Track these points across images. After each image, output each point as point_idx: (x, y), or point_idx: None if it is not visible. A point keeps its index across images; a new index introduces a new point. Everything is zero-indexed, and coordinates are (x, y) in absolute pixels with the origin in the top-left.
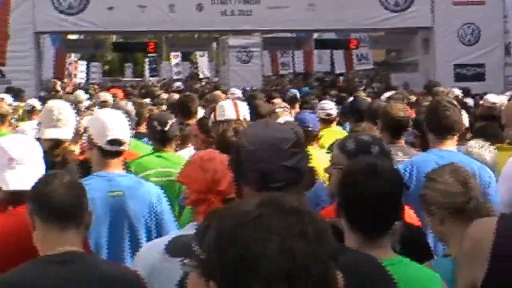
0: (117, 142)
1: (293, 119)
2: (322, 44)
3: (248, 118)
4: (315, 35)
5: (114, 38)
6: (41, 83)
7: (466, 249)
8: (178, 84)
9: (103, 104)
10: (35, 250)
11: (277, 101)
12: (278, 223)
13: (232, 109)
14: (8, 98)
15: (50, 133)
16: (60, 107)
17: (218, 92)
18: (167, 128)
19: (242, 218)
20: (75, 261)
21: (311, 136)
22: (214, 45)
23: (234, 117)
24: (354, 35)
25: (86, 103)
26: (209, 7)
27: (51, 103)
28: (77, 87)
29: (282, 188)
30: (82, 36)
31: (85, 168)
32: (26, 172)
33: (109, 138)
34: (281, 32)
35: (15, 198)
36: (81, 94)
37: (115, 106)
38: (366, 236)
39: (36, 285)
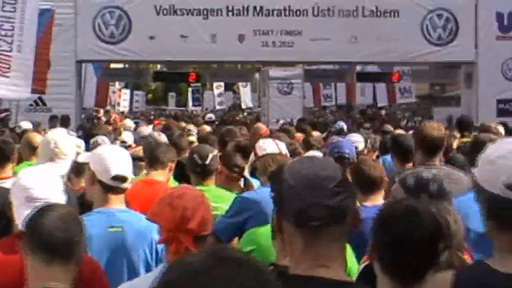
0: (121, 179)
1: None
2: (364, 76)
3: (287, 153)
4: (358, 68)
5: (158, 67)
6: (83, 111)
7: None
8: (210, 115)
9: (143, 139)
10: None
11: (315, 133)
12: (221, 276)
13: (273, 144)
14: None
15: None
16: (56, 139)
17: (259, 124)
18: (207, 161)
19: (185, 270)
20: None
21: (347, 163)
22: (257, 75)
23: (276, 151)
24: (396, 68)
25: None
26: (251, 38)
27: (49, 135)
28: (120, 115)
29: (321, 227)
30: (125, 65)
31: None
32: None
33: (113, 174)
34: (323, 64)
35: None
36: (129, 122)
37: (151, 136)
38: (398, 282)
39: None
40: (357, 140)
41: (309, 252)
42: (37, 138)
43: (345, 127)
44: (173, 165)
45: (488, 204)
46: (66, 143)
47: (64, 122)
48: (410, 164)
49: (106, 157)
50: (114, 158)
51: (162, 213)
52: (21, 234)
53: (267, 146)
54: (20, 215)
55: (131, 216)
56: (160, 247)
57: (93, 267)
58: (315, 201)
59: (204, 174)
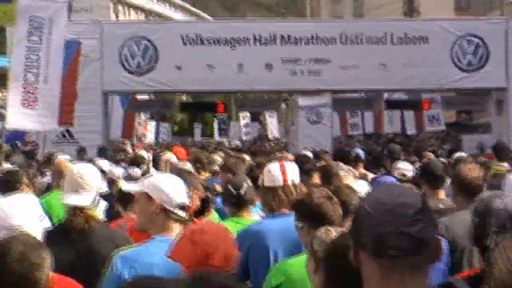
0: (184, 208)
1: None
2: (393, 104)
3: (297, 180)
4: (385, 95)
5: (184, 98)
6: (110, 143)
7: None
8: (236, 142)
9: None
10: None
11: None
12: None
13: (279, 173)
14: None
15: (69, 199)
16: (82, 171)
17: (286, 154)
18: (242, 191)
19: None
20: None
21: None
22: (283, 105)
23: (280, 182)
24: (424, 95)
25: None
26: (278, 66)
27: (75, 166)
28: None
29: (399, 257)
30: (151, 96)
31: None
32: None
33: (179, 202)
34: (351, 92)
35: None
36: (144, 154)
37: (174, 166)
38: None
39: None
40: (405, 168)
41: (387, 285)
42: (68, 168)
43: (362, 154)
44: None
45: None
46: (92, 175)
47: (81, 153)
48: (442, 192)
49: (168, 186)
50: (176, 187)
51: (183, 250)
52: None
53: (274, 173)
54: None
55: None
56: None
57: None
58: (394, 229)
59: (239, 205)
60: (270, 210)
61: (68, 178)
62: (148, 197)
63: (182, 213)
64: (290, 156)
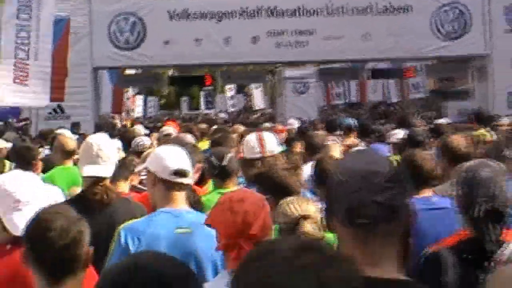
0: (182, 173)
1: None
2: (378, 73)
3: (276, 151)
4: (369, 65)
5: (171, 72)
6: (100, 118)
7: None
8: (222, 115)
9: (166, 137)
10: None
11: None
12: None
13: (257, 144)
14: (67, 132)
15: (89, 171)
16: (99, 143)
17: (277, 125)
18: (225, 162)
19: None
20: None
21: None
22: (268, 77)
23: (259, 154)
24: (407, 64)
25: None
26: (264, 39)
27: (90, 138)
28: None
29: (370, 225)
30: (139, 71)
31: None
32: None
33: (174, 169)
34: (336, 63)
35: (17, 238)
36: (140, 129)
37: (176, 139)
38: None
39: None
40: (399, 135)
41: (360, 252)
42: (71, 142)
43: (352, 124)
44: (200, 165)
45: None
46: (109, 146)
47: (75, 128)
48: None
49: (163, 156)
50: (171, 155)
51: (221, 218)
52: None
53: (252, 145)
54: (9, 220)
55: (198, 217)
56: None
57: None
58: (365, 197)
59: (223, 176)
60: (250, 181)
61: (85, 149)
62: (149, 171)
63: (180, 179)
64: (280, 127)
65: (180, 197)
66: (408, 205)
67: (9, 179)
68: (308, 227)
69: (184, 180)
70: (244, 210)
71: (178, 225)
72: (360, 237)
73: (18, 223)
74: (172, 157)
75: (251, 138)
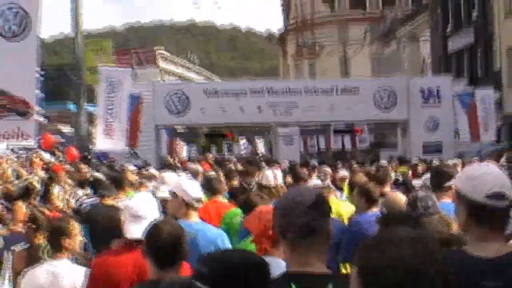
0: (199, 200)
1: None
2: (338, 131)
3: (281, 183)
4: (333, 126)
5: (206, 129)
6: (160, 158)
7: None
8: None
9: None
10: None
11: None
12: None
13: (272, 177)
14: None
15: (160, 194)
16: (138, 204)
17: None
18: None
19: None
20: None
21: None
22: (267, 133)
23: (272, 184)
24: (357, 125)
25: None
26: (265, 108)
27: (129, 202)
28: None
29: (294, 239)
30: (185, 129)
31: None
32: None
33: (194, 196)
34: (311, 125)
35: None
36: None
37: (205, 174)
38: None
39: None
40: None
41: (293, 256)
42: (131, 176)
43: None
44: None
45: (470, 208)
46: (148, 205)
47: (146, 164)
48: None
49: (187, 185)
50: (191, 184)
51: (253, 223)
52: (133, 241)
53: (269, 177)
54: (127, 227)
55: (204, 226)
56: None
57: None
58: (289, 220)
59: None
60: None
61: (125, 211)
62: (175, 194)
63: (197, 204)
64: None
65: (192, 213)
66: (328, 223)
67: (136, 199)
68: None
69: (199, 205)
70: (267, 219)
71: (188, 231)
72: (292, 247)
73: (133, 232)
74: (194, 188)
75: (268, 173)
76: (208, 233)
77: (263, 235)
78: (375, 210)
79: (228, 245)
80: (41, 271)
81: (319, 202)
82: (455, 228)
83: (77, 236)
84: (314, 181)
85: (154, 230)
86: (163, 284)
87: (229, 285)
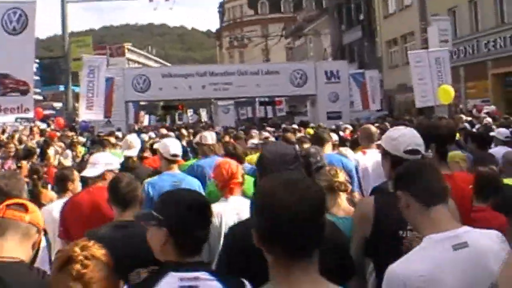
0: (176, 155)
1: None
2: (263, 103)
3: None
4: (258, 99)
5: (162, 103)
6: (129, 126)
7: (357, 218)
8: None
9: (164, 135)
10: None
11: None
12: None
13: (210, 137)
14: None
15: (126, 153)
16: (131, 138)
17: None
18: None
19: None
20: (128, 226)
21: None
22: (209, 105)
23: (209, 142)
24: (277, 98)
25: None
26: (208, 87)
27: (128, 136)
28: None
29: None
30: (147, 103)
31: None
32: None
33: (171, 153)
34: (242, 98)
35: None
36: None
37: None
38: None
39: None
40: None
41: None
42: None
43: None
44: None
45: (392, 161)
46: (137, 139)
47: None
48: None
49: (167, 144)
50: (173, 144)
51: (219, 173)
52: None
53: (208, 137)
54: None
55: (185, 176)
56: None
57: None
58: (283, 167)
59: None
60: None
61: (124, 142)
62: (158, 151)
63: (174, 158)
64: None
65: (174, 166)
66: (300, 166)
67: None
68: None
69: (175, 158)
70: (230, 168)
71: (173, 180)
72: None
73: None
74: (172, 145)
75: (206, 133)
76: (189, 181)
77: (230, 180)
78: None
79: (202, 190)
80: (57, 205)
81: (297, 155)
82: (341, 176)
83: (77, 181)
84: (252, 140)
85: (115, 180)
86: (136, 215)
87: (175, 213)
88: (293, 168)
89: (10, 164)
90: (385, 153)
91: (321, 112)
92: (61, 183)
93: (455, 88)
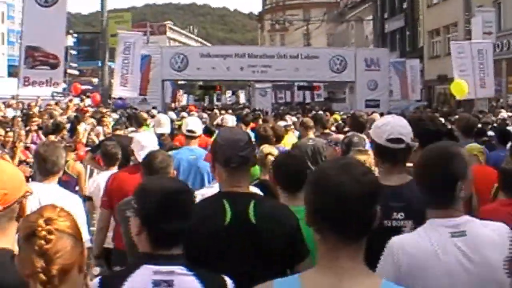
0: (193, 131)
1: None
2: (301, 88)
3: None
4: (297, 83)
5: (200, 83)
6: (165, 104)
7: None
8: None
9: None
10: None
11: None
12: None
13: (230, 120)
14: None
15: (157, 130)
16: (161, 116)
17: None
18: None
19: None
20: None
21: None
22: (247, 87)
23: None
24: (315, 83)
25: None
26: (246, 68)
27: (159, 116)
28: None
29: (237, 167)
30: (185, 82)
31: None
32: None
33: (188, 128)
34: (281, 82)
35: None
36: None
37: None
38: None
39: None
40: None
41: (229, 180)
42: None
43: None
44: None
45: (377, 149)
46: (167, 119)
47: (154, 108)
48: None
49: (187, 121)
50: (190, 121)
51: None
52: (139, 164)
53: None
54: (137, 153)
55: (201, 151)
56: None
57: None
58: (234, 152)
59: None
60: None
61: (156, 120)
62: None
63: (191, 134)
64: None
65: (192, 142)
66: (255, 155)
67: (142, 134)
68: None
69: (194, 135)
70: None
71: (191, 154)
72: (231, 174)
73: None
74: (190, 122)
75: (227, 116)
76: (204, 155)
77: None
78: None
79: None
80: (104, 176)
81: (250, 140)
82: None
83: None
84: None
85: (150, 157)
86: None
87: (148, 203)
88: (245, 155)
89: (35, 137)
90: (371, 141)
91: (359, 100)
92: (109, 157)
93: (496, 82)
